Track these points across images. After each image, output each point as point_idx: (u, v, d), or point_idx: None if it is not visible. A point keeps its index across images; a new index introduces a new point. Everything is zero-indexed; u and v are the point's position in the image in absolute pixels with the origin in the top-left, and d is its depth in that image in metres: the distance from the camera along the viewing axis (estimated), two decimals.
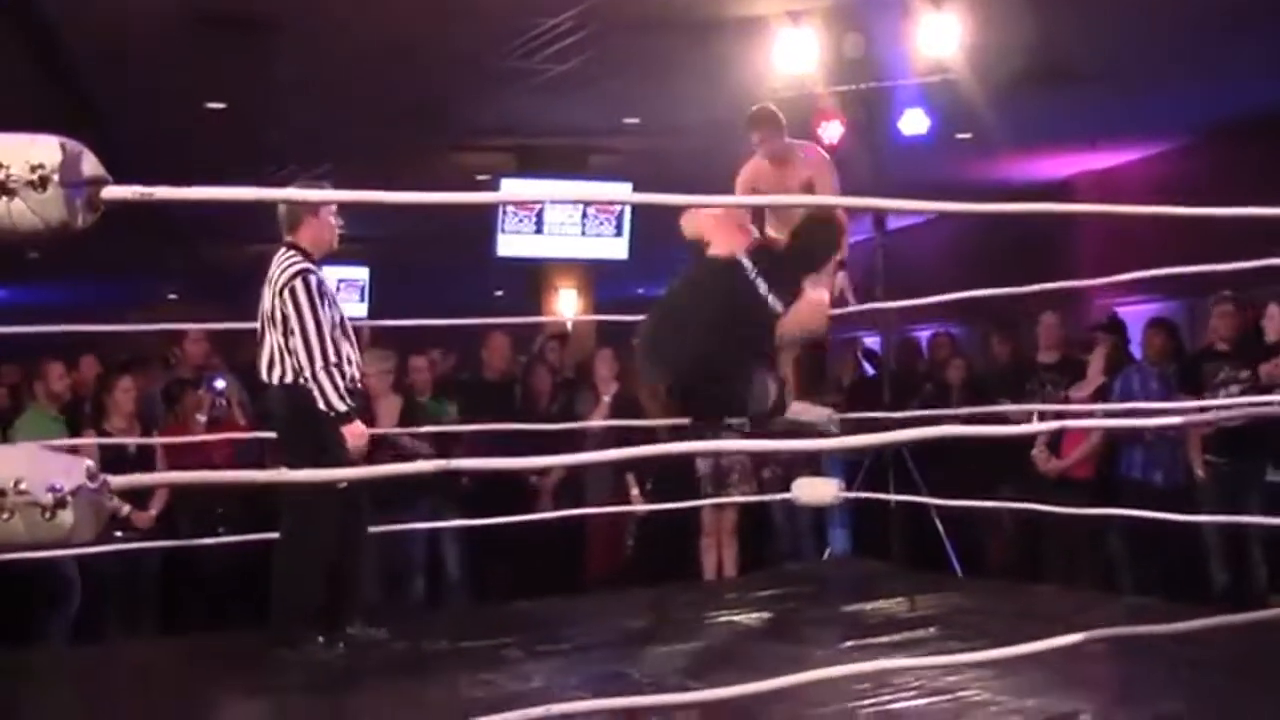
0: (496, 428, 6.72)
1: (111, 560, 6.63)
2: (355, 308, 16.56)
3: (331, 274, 16.41)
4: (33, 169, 2.04)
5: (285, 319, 5.03)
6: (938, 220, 14.54)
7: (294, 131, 11.12)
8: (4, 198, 2.05)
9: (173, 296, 21.16)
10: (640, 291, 20.76)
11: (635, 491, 8.06)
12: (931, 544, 7.84)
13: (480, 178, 12.79)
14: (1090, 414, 6.75)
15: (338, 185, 11.97)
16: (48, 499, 1.95)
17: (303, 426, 5.01)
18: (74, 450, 4.39)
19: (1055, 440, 7.48)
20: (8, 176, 2.05)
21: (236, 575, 7.25)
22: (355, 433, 4.98)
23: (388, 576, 7.51)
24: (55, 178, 2.05)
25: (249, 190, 2.68)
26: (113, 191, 2.17)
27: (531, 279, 14.42)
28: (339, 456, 4.86)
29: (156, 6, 8.38)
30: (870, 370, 10.10)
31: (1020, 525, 8.09)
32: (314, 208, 5.34)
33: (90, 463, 2.04)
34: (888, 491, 7.37)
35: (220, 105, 10.70)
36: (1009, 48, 9.05)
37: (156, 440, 7.24)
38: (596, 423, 7.79)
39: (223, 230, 15.22)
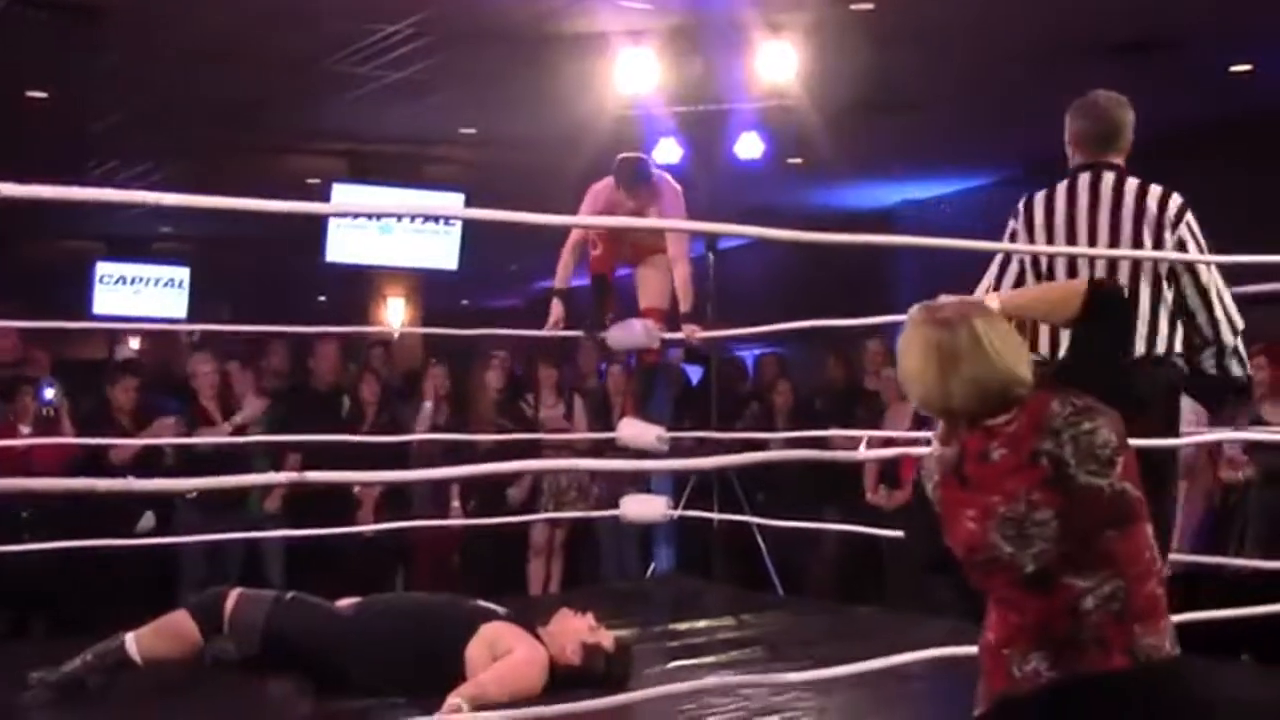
0: (325, 439, 6.57)
1: None
2: (176, 308, 16.18)
3: (151, 272, 16.33)
4: None
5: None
6: (767, 241, 14.74)
7: (119, 126, 10.80)
8: None
9: None
10: (466, 303, 20.68)
11: (455, 504, 8.01)
12: (754, 563, 7.94)
13: (310, 181, 12.57)
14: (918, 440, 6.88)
15: (164, 183, 11.75)
16: None
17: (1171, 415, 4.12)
18: None
19: (888, 469, 7.62)
20: None
21: (41, 584, 7.05)
22: None
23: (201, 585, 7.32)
24: None
25: (106, 191, 2.58)
26: None
27: (358, 285, 14.22)
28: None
29: None
30: (695, 371, 10.05)
31: (842, 546, 8.23)
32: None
33: None
34: (712, 509, 7.42)
35: (41, 94, 10.33)
36: (843, 76, 9.22)
37: None
38: (424, 436, 7.71)
39: (35, 225, 14.70)
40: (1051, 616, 2.45)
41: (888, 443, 6.08)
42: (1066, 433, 2.47)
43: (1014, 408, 2.54)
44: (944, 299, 2.69)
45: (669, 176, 6.45)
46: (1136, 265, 4.07)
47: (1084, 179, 4.20)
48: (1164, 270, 4.09)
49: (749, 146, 9.45)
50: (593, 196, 6.31)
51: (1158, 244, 4.07)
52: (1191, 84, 9.61)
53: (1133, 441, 2.58)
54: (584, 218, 6.19)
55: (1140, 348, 4.03)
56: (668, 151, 9.06)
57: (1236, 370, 4.15)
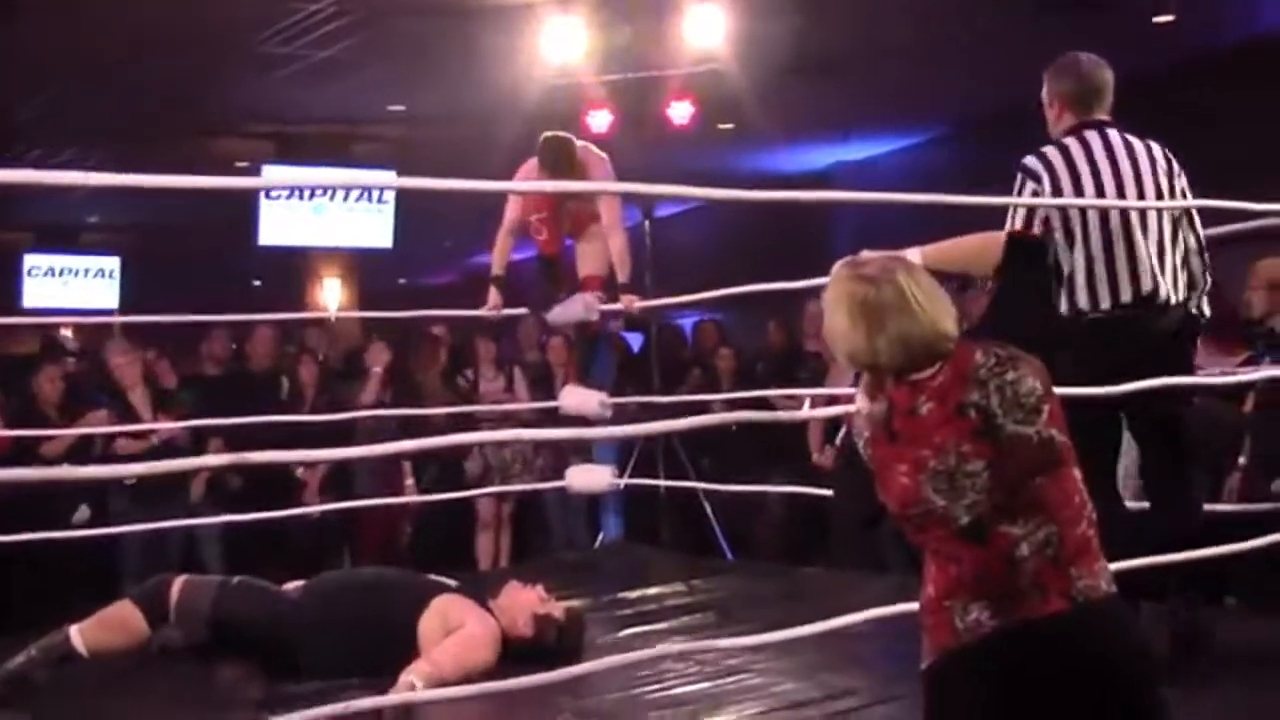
0: (264, 420, 6.49)
1: None
2: (107, 298, 16.00)
3: (80, 263, 16.12)
4: None
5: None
6: (703, 208, 14.77)
7: (41, 113, 10.64)
8: None
9: None
10: (403, 281, 20.54)
11: (410, 482, 7.98)
12: (701, 529, 7.95)
13: (239, 164, 12.44)
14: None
15: (89, 170, 11.55)
16: None
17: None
18: None
19: (831, 428, 7.63)
20: None
21: None
22: None
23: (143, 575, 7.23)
24: None
25: (28, 173, 2.53)
26: None
27: (293, 267, 14.10)
28: None
29: None
30: (635, 340, 10.01)
31: (788, 508, 8.27)
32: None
33: None
34: (658, 478, 7.42)
35: None
36: (772, 39, 9.21)
37: None
38: (367, 413, 7.63)
39: None
40: (989, 566, 2.46)
41: (831, 402, 6.08)
42: (992, 383, 2.48)
43: (939, 361, 2.55)
44: (866, 254, 2.69)
45: (593, 147, 6.38)
46: (1160, 216, 4.10)
47: (1092, 136, 4.16)
48: (1179, 218, 4.14)
49: (680, 112, 9.43)
50: (522, 179, 6.24)
51: (1172, 194, 4.13)
52: (1117, 37, 9.67)
53: (1061, 391, 2.60)
54: (519, 183, 6.12)
55: (1173, 296, 4.07)
56: (599, 120, 9.03)
57: (1206, 309, 4.23)
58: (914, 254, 3.03)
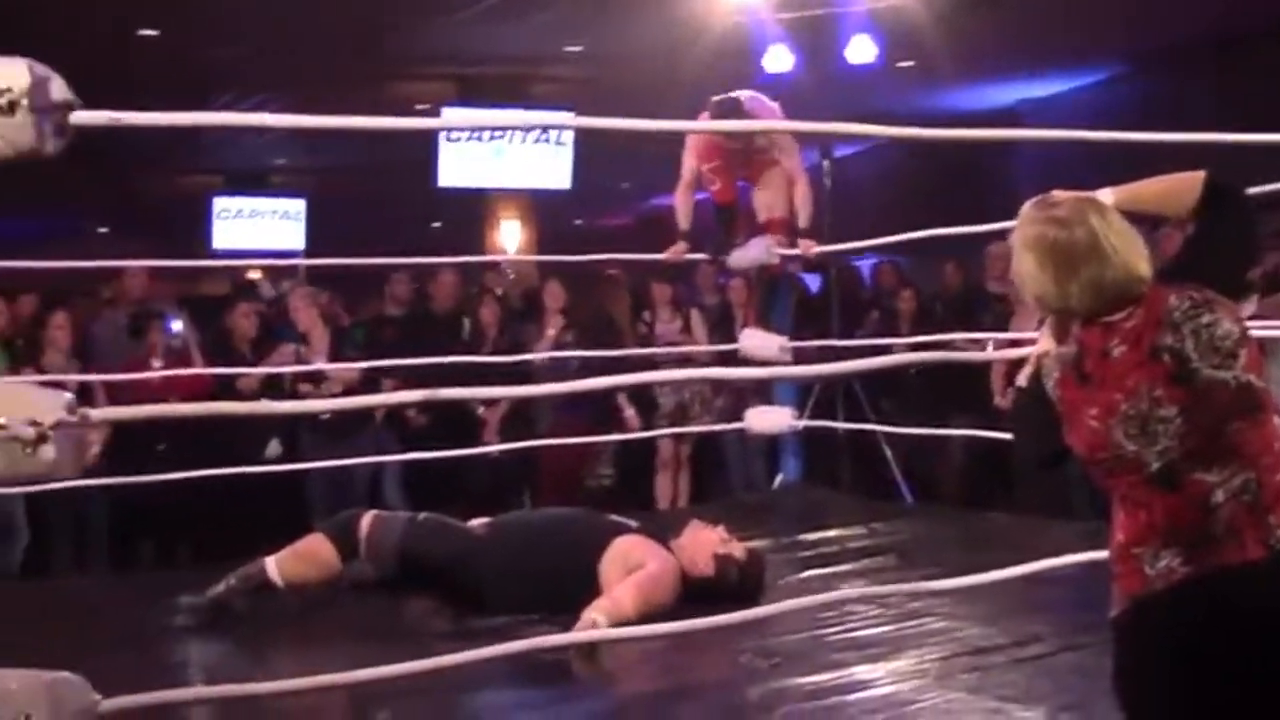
0: (448, 360, 6.58)
1: (58, 498, 6.41)
2: (294, 239, 16.40)
3: (267, 205, 16.55)
4: (0, 93, 1.93)
5: None
6: (882, 147, 14.57)
7: (228, 60, 10.91)
8: None
9: (103, 230, 20.75)
10: (579, 222, 20.67)
11: (630, 411, 8.04)
12: (880, 472, 7.87)
13: (420, 107, 12.61)
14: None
15: (277, 113, 11.82)
16: (29, 434, 1.85)
17: None
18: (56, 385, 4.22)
19: (1015, 371, 7.48)
20: None
21: (183, 513, 7.23)
22: None
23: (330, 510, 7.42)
24: (24, 102, 1.94)
25: (220, 115, 2.59)
26: (82, 117, 2.09)
27: (472, 209, 14.28)
28: None
29: None
30: (814, 281, 9.92)
31: (969, 452, 8.15)
32: None
33: (70, 396, 1.96)
34: (837, 419, 7.36)
35: (153, 33, 10.45)
36: None
37: (121, 378, 7.08)
38: (549, 354, 7.72)
39: (154, 162, 14.95)
40: (1181, 513, 2.39)
41: (1014, 344, 5.97)
42: (1186, 326, 2.41)
43: (1132, 304, 2.48)
44: (1057, 194, 2.62)
45: (763, 97, 6.39)
46: None
47: None
48: None
49: (861, 50, 9.28)
50: (697, 139, 6.32)
51: None
52: None
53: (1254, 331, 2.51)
54: (697, 123, 6.11)
55: None
56: (778, 59, 8.94)
57: None
58: (1106, 194, 2.93)
